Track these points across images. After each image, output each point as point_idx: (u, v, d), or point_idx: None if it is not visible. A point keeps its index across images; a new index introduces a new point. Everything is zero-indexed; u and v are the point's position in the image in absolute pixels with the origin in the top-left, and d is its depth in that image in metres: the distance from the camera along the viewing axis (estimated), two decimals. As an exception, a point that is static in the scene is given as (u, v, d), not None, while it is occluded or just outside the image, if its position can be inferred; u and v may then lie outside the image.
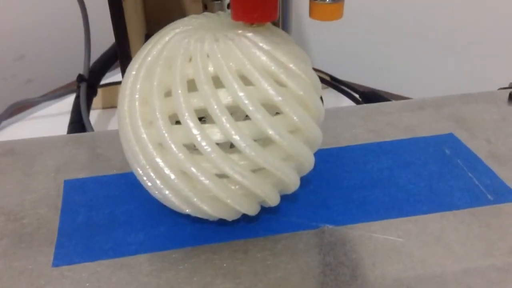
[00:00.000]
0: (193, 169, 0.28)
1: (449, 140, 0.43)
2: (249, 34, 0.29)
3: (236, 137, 0.28)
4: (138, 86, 0.30)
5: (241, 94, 0.27)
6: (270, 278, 0.30)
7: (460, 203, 0.36)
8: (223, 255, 0.32)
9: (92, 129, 0.58)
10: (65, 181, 0.39)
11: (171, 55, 0.29)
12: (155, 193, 0.31)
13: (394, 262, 0.31)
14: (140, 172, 0.31)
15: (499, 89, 0.50)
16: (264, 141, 0.29)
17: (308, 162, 0.31)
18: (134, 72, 0.31)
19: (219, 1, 0.52)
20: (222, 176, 0.29)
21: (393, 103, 0.48)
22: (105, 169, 0.41)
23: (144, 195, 0.36)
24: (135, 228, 0.34)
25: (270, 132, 0.28)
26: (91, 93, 0.71)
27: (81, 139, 0.45)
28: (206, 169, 0.29)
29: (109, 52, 0.75)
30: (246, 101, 0.27)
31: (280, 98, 0.28)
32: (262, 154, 0.28)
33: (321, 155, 0.39)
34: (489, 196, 0.36)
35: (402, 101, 0.48)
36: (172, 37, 0.30)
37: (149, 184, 0.31)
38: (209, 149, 0.28)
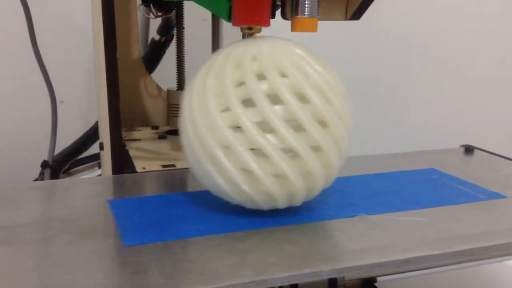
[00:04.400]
0: (263, 142, 0.34)
1: (432, 171, 0.51)
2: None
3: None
4: (209, 81, 0.36)
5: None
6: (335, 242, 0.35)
7: (460, 200, 0.43)
8: (282, 232, 0.36)
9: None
10: (107, 200, 0.41)
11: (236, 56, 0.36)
12: (218, 176, 0.35)
13: (427, 229, 0.37)
14: (207, 158, 0.35)
15: (460, 146, 0.60)
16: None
17: (335, 161, 0.36)
18: (202, 76, 0.37)
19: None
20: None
21: (370, 155, 0.56)
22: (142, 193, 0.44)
23: (190, 204, 0.40)
24: (193, 222, 0.37)
25: (301, 115, 0.34)
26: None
27: (108, 180, 0.48)
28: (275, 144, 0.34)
29: (74, 145, 0.79)
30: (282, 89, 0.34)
31: (308, 88, 0.35)
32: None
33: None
34: (481, 196, 0.44)
35: (379, 154, 0.57)
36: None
37: (213, 170, 0.35)
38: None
